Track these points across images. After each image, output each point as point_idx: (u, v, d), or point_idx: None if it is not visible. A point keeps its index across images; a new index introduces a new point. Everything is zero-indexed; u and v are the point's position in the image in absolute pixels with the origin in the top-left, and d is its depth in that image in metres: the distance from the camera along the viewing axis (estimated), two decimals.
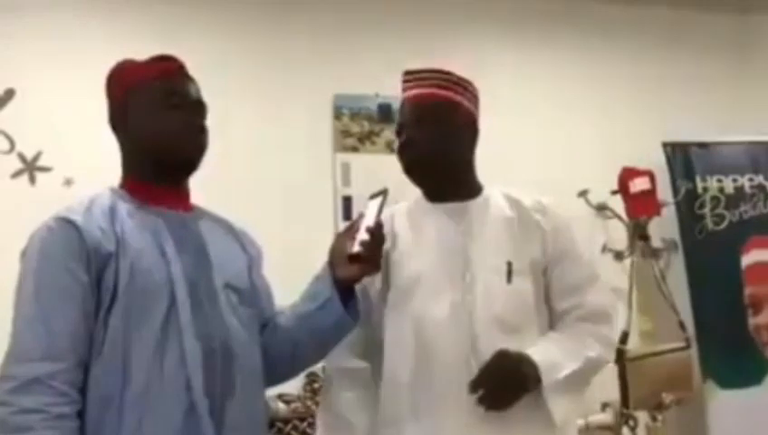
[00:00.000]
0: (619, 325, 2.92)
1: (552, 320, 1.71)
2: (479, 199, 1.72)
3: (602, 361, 1.71)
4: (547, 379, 1.58)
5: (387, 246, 1.67)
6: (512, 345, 1.61)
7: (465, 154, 1.72)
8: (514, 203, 1.72)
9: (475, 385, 1.56)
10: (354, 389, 1.68)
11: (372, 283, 1.67)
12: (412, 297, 1.65)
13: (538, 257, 1.68)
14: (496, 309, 1.63)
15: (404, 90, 1.74)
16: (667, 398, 2.89)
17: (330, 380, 1.72)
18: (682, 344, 3.05)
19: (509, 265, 1.63)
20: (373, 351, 1.70)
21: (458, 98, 1.70)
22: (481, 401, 1.56)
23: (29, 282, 1.37)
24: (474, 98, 1.74)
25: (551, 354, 1.62)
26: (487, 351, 1.58)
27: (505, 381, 1.57)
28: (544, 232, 1.69)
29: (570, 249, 1.72)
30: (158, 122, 1.46)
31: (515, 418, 1.58)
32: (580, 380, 1.67)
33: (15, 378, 1.30)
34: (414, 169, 1.70)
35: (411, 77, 1.73)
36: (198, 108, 1.52)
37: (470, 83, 1.74)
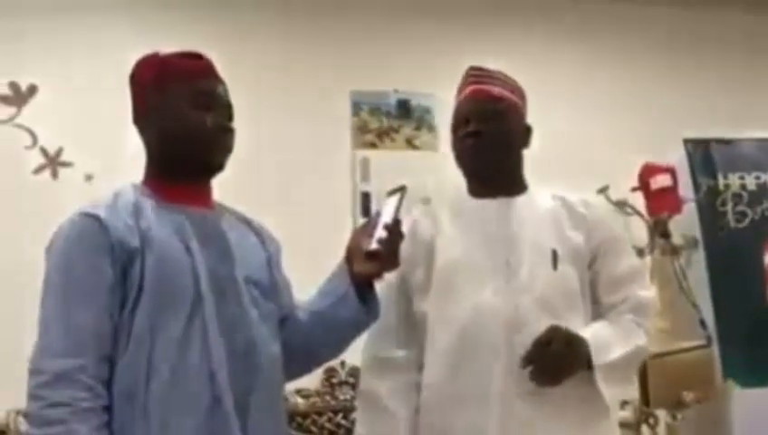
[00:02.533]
0: None
1: (597, 313, 1.72)
2: (524, 195, 1.76)
3: (647, 350, 1.74)
4: (598, 360, 1.59)
5: (430, 234, 1.72)
6: None
7: (519, 154, 1.78)
8: (559, 199, 1.75)
9: (527, 360, 1.56)
10: (393, 377, 1.69)
11: (414, 270, 1.69)
12: (455, 283, 1.66)
13: (582, 249, 1.70)
14: (541, 293, 1.63)
15: (468, 84, 1.77)
16: (688, 396, 2.86)
17: (367, 369, 1.74)
18: (703, 343, 3.02)
19: (554, 252, 1.64)
20: (414, 338, 1.71)
21: (516, 99, 1.76)
22: (532, 375, 1.56)
23: (55, 277, 1.38)
24: (525, 103, 1.80)
25: (601, 336, 1.63)
26: (531, 334, 1.58)
27: (557, 356, 1.57)
28: (589, 225, 1.72)
29: (614, 242, 1.75)
30: (185, 123, 1.46)
31: (559, 402, 1.59)
32: (629, 365, 1.69)
33: (44, 372, 1.32)
34: (475, 162, 1.73)
35: (477, 73, 1.77)
36: (226, 109, 1.51)
37: (523, 90, 1.80)
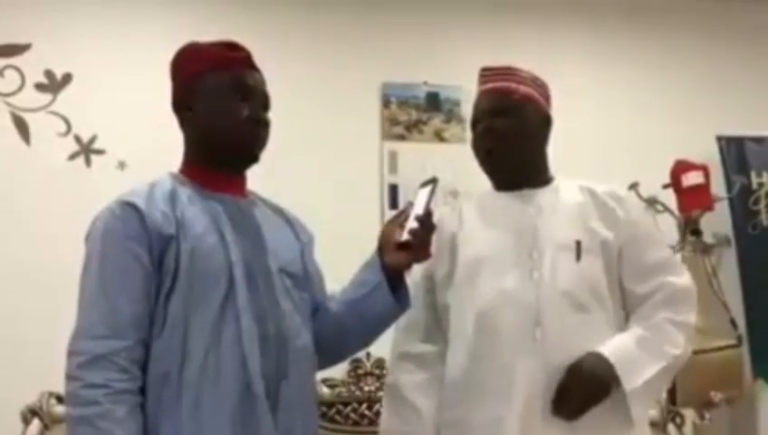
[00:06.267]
0: None
1: (631, 304, 1.68)
2: (549, 187, 1.74)
3: (686, 356, 1.66)
4: (628, 384, 1.56)
5: (454, 228, 1.72)
6: (578, 322, 1.60)
7: (538, 146, 1.76)
8: (586, 190, 1.73)
9: (556, 408, 1.56)
10: (419, 373, 1.69)
11: (439, 265, 1.69)
12: (478, 275, 1.65)
13: (610, 239, 1.66)
14: (563, 285, 1.61)
15: (481, 83, 1.78)
16: (716, 396, 2.83)
17: (393, 363, 1.75)
18: (733, 342, 2.99)
19: (578, 243, 1.61)
20: (440, 333, 1.71)
21: (533, 93, 1.75)
22: (563, 415, 1.56)
23: (94, 263, 1.41)
24: (545, 94, 1.79)
25: (630, 354, 1.58)
26: (552, 325, 1.58)
27: (583, 397, 1.56)
28: (618, 215, 1.68)
29: (646, 232, 1.71)
30: (225, 114, 1.48)
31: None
32: (662, 380, 1.64)
33: (82, 354, 1.35)
34: (491, 158, 1.73)
35: (488, 73, 1.77)
36: (263, 101, 1.53)
37: (541, 80, 1.79)
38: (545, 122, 1.76)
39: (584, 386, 1.56)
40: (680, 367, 1.68)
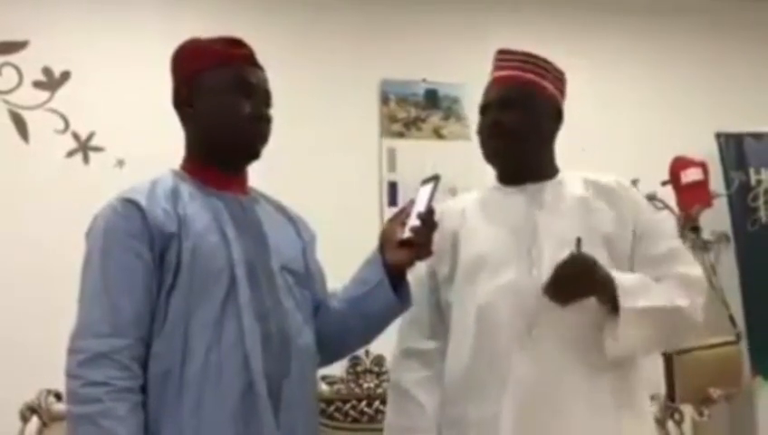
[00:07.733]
0: None
1: None
2: (553, 180, 1.72)
3: (691, 313, 1.59)
4: (626, 302, 1.52)
5: (455, 224, 1.71)
6: (575, 320, 1.58)
7: (546, 141, 1.73)
8: (591, 184, 1.71)
9: (547, 286, 1.53)
10: (422, 369, 1.69)
11: (441, 262, 1.68)
12: (479, 273, 1.64)
13: (615, 235, 1.65)
14: None
15: (495, 69, 1.75)
16: (715, 393, 2.84)
17: (398, 360, 1.74)
18: (732, 339, 3.00)
19: (578, 241, 1.58)
20: (443, 329, 1.70)
21: (545, 83, 1.71)
22: (545, 290, 1.53)
23: (95, 260, 1.40)
24: (561, 84, 1.75)
25: (633, 281, 1.55)
26: (549, 324, 1.57)
27: (575, 276, 1.52)
28: (622, 209, 1.66)
29: (653, 225, 1.69)
30: (227, 111, 1.47)
31: (580, 397, 1.57)
32: (658, 320, 1.56)
33: (83, 352, 1.34)
34: (496, 152, 1.71)
35: (504, 57, 1.73)
36: (266, 98, 1.53)
37: (559, 71, 1.75)
38: (556, 117, 1.72)
39: (581, 270, 1.53)
40: (682, 324, 1.61)
